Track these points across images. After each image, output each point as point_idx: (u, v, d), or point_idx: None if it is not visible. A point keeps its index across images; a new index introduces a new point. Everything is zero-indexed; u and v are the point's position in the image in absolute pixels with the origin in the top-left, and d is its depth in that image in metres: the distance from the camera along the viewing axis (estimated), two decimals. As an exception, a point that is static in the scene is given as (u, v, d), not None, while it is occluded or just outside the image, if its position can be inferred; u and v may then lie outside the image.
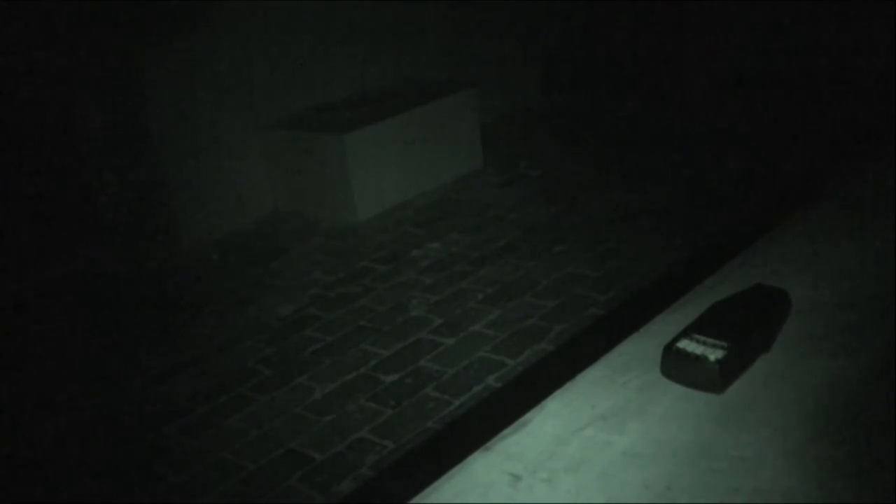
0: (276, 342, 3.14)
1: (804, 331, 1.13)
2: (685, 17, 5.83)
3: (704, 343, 1.05)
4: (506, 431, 0.99)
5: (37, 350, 3.29)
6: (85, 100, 3.78)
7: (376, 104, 4.44)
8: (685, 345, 1.05)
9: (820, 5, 5.31)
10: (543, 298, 3.23)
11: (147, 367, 3.07)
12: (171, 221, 4.02)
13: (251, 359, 3.04)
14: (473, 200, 4.28)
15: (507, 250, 3.67)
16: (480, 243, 3.77)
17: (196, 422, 2.71)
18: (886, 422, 0.94)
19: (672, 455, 0.92)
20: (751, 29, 5.61)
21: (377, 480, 2.34)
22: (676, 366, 1.05)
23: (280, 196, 4.39)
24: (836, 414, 0.96)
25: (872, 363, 1.04)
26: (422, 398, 2.69)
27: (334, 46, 4.55)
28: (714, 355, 1.03)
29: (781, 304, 1.16)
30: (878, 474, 0.87)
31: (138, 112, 3.85)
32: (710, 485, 0.88)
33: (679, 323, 1.13)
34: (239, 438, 2.60)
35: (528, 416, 1.02)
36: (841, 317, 1.15)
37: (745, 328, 1.09)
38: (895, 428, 0.93)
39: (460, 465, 0.95)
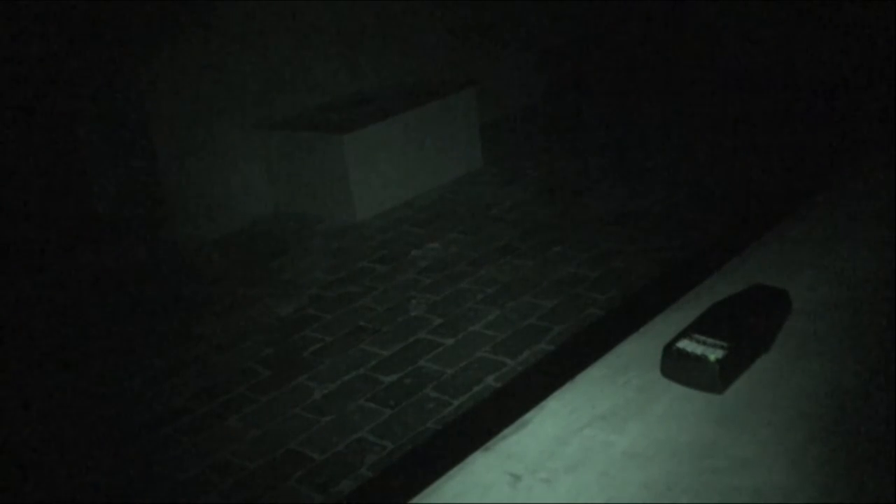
0: (275, 342, 3.14)
1: (804, 331, 1.13)
2: (686, 18, 5.84)
3: (704, 343, 1.05)
4: (506, 431, 0.99)
5: (37, 350, 3.29)
6: (85, 100, 3.78)
7: (376, 104, 4.44)
8: (685, 345, 1.05)
9: (821, 6, 5.31)
10: (543, 298, 3.23)
11: (147, 366, 3.07)
12: (172, 221, 4.02)
13: (251, 359, 3.04)
14: (473, 200, 4.28)
15: (506, 250, 3.67)
16: (480, 243, 3.77)
17: (196, 422, 2.71)
18: (886, 422, 0.94)
19: (672, 455, 0.92)
20: (751, 30, 5.61)
21: (377, 480, 2.34)
22: (676, 366, 1.05)
23: (280, 196, 4.39)
24: (836, 414, 0.96)
25: (872, 363, 1.04)
26: (421, 398, 2.69)
27: (334, 46, 4.55)
28: (714, 355, 1.03)
29: (781, 304, 1.16)
30: (878, 474, 0.87)
31: (138, 112, 3.85)
32: (710, 485, 0.88)
33: (679, 323, 1.12)
34: (239, 438, 2.60)
35: (528, 416, 1.02)
36: (841, 317, 1.15)
37: (745, 328, 1.09)
38: (895, 428, 0.93)
39: (460, 465, 0.94)
